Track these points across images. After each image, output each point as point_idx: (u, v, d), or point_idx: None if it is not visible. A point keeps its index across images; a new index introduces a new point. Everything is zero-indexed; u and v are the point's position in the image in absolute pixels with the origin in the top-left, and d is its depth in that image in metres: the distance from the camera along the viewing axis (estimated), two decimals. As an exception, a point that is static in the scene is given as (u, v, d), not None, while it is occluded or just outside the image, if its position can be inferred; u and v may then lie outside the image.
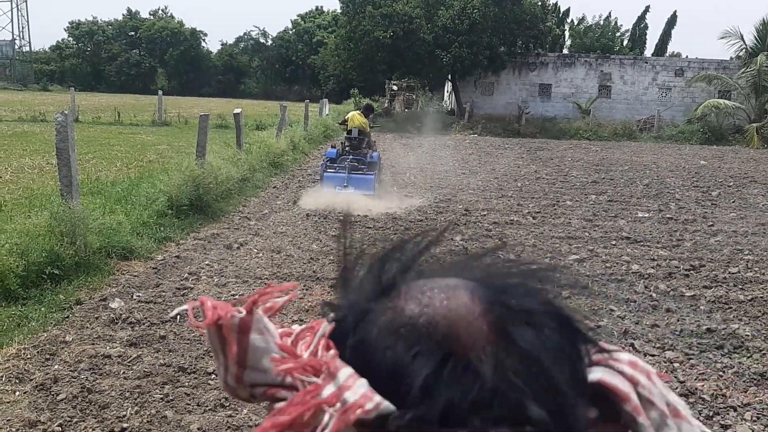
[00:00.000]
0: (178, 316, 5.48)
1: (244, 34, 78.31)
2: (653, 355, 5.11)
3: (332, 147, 13.28)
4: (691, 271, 7.63)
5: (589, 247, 8.64)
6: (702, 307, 6.37)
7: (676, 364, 4.95)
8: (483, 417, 0.53)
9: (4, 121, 25.18)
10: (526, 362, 0.56)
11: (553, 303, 0.64)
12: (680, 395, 4.42)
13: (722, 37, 30.45)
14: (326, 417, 0.54)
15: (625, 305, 6.40)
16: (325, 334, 0.61)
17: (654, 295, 6.71)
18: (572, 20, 50.21)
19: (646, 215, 11.06)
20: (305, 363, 0.59)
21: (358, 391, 0.55)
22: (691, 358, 5.08)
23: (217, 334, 0.66)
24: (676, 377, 4.73)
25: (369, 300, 0.63)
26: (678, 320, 5.98)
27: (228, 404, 4.10)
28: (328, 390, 0.56)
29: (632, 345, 5.28)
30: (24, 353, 4.65)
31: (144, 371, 4.47)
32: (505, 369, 0.55)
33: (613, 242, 9.01)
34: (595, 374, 0.61)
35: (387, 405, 0.54)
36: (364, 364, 0.57)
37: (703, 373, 4.81)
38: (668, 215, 11.09)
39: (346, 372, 0.56)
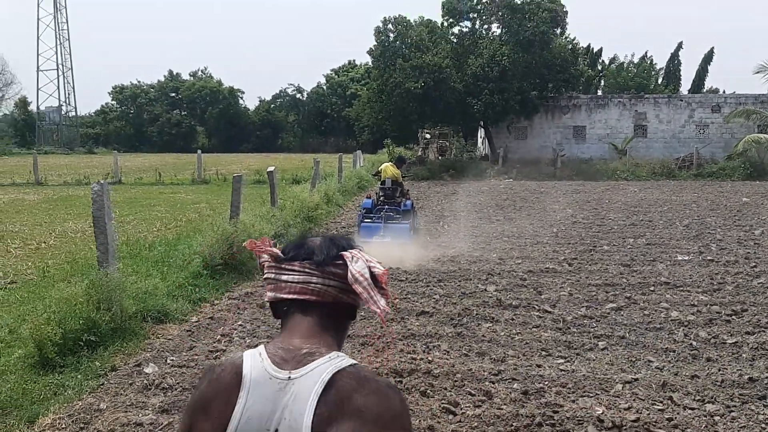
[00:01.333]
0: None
1: (280, 91, 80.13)
2: (693, 409, 4.94)
3: (368, 197, 13.84)
4: (733, 317, 7.40)
5: (626, 294, 8.47)
6: (744, 355, 6.16)
7: (716, 418, 4.78)
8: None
9: (50, 185, 26.09)
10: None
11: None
12: (721, 453, 4.26)
13: (757, 72, 30.07)
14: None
15: (664, 355, 6.23)
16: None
17: (694, 343, 6.52)
18: (604, 60, 50.33)
19: (686, 258, 10.81)
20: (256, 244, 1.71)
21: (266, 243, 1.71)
22: (732, 411, 4.90)
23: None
24: (716, 431, 4.56)
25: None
26: (719, 369, 5.79)
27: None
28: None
29: (670, 398, 5.11)
30: (59, 423, 4.73)
31: (174, 439, 4.50)
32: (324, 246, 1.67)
33: (652, 288, 8.81)
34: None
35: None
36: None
37: (745, 427, 4.63)
38: (709, 257, 10.83)
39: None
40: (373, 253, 1.66)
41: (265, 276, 1.66)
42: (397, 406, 1.45)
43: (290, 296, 1.59)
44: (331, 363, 1.48)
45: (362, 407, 1.41)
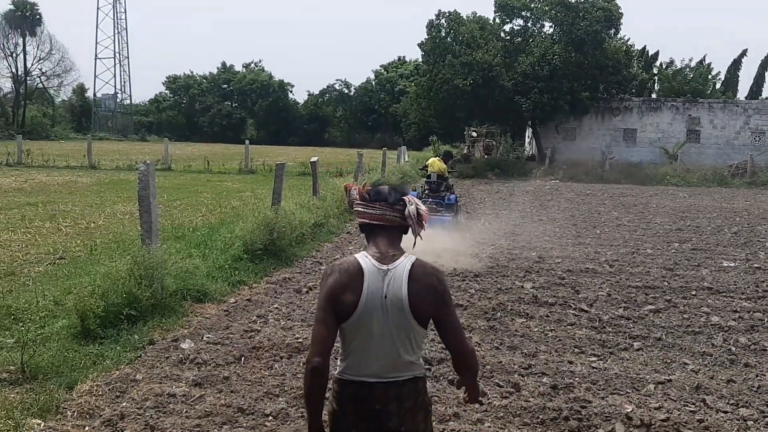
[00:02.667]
0: (242, 359, 5.66)
1: (328, 86, 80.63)
2: (725, 412, 4.84)
3: (413, 190, 13.85)
4: (777, 324, 7.20)
5: (666, 298, 8.31)
6: (785, 363, 6.00)
7: (749, 422, 4.67)
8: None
9: (102, 169, 26.86)
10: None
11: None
12: (751, 456, 4.18)
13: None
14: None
15: (701, 359, 6.11)
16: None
17: (733, 348, 6.38)
18: (660, 64, 49.18)
19: (732, 265, 10.54)
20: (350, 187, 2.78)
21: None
22: (766, 417, 4.78)
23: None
24: (749, 437, 4.47)
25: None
26: (757, 376, 5.65)
27: (281, 446, 4.18)
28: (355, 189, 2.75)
29: (703, 401, 5.02)
30: (96, 390, 4.90)
31: (205, 411, 4.62)
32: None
33: (693, 292, 8.63)
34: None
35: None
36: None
37: (780, 434, 4.52)
38: (756, 265, 10.54)
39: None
40: (414, 245, 2.60)
41: (355, 209, 2.72)
42: (445, 282, 2.64)
43: (374, 222, 2.66)
44: (408, 259, 2.59)
45: (431, 284, 2.55)
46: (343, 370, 2.63)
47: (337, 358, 2.69)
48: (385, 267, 2.54)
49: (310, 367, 2.52)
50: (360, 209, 2.69)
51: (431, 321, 2.62)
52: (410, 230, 2.67)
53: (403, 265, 2.55)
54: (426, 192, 13.88)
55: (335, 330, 2.55)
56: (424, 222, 2.64)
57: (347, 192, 2.77)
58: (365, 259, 2.57)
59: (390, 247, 2.60)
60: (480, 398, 2.97)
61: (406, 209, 2.62)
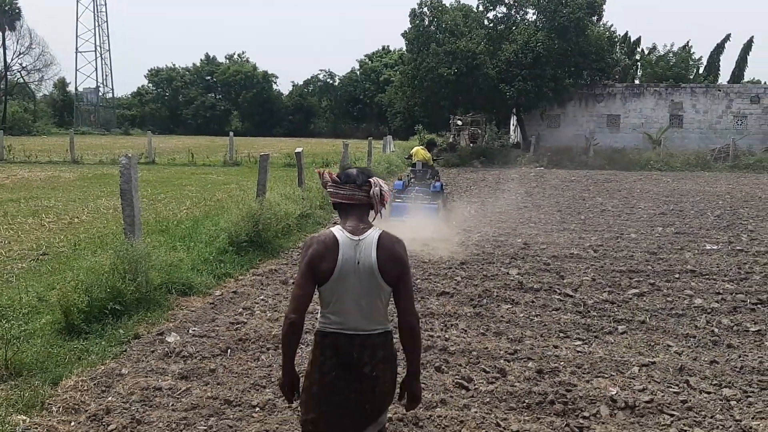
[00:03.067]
0: (229, 351, 5.65)
1: (312, 77, 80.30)
2: (708, 393, 4.90)
3: (399, 179, 14.42)
4: (759, 305, 7.29)
5: (650, 281, 8.38)
6: (767, 343, 6.07)
7: (732, 402, 4.73)
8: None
9: (85, 164, 26.62)
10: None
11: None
12: (733, 435, 4.23)
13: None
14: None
15: (684, 340, 6.17)
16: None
17: (716, 330, 6.44)
18: (642, 50, 49.34)
19: (715, 247, 10.64)
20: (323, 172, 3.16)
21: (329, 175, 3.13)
22: (749, 396, 4.85)
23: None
24: (731, 416, 4.52)
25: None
26: (739, 356, 5.72)
27: (269, 437, 4.18)
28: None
29: (687, 382, 5.08)
30: (81, 385, 4.87)
31: (192, 403, 4.61)
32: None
33: (677, 275, 8.71)
34: None
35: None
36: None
37: (761, 412, 4.58)
38: (738, 247, 10.65)
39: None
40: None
41: (328, 190, 3.09)
42: (406, 252, 3.03)
43: (345, 201, 3.05)
44: (375, 231, 2.98)
45: (395, 251, 2.96)
46: (324, 324, 3.00)
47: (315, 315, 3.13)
48: (356, 238, 2.94)
49: (288, 322, 2.92)
50: (332, 190, 3.09)
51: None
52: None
53: (371, 236, 2.96)
54: (412, 180, 13.99)
55: (312, 292, 2.96)
56: (385, 201, 3.04)
57: (321, 176, 3.17)
58: (340, 232, 2.97)
59: (360, 222, 3.01)
60: (416, 402, 3.23)
61: (371, 190, 3.01)
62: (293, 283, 8.06)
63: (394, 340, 3.11)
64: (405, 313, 2.99)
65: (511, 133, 40.87)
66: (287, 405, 4.49)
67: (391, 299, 3.00)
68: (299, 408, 3.13)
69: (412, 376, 3.12)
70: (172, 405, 4.60)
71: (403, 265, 2.96)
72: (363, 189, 3.04)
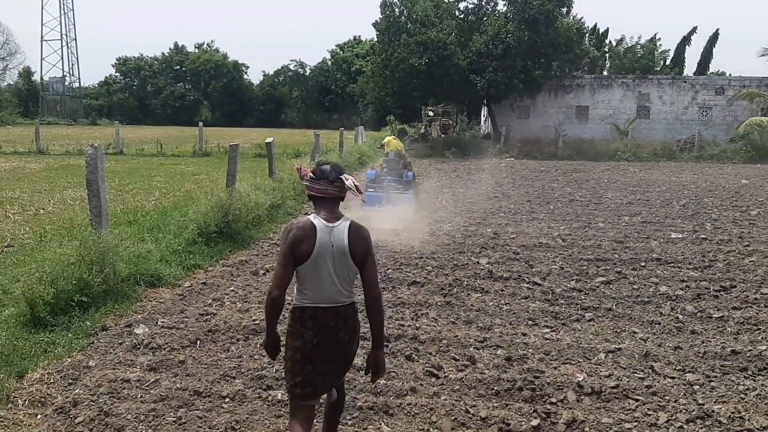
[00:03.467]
0: (198, 342, 5.62)
1: (283, 67, 79.67)
2: (672, 378, 5.01)
3: (372, 169, 14.86)
4: (721, 292, 7.46)
5: (617, 269, 8.51)
6: (729, 329, 6.23)
7: (695, 387, 4.85)
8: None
9: (51, 154, 26.11)
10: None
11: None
12: (696, 418, 4.34)
13: (762, 55, 29.86)
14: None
15: (649, 327, 6.29)
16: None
17: (680, 317, 6.58)
18: (610, 41, 49.88)
19: (680, 236, 10.85)
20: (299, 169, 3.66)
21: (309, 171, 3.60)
22: (712, 381, 4.97)
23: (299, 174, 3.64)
24: (694, 400, 4.63)
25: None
26: (703, 342, 5.85)
27: (239, 428, 4.17)
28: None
29: (651, 367, 5.18)
30: (47, 378, 4.81)
31: (160, 395, 4.58)
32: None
33: (643, 264, 8.86)
34: None
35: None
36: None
37: (723, 396, 4.70)
38: (702, 236, 10.86)
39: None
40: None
41: (305, 184, 3.54)
42: (370, 238, 3.51)
43: (319, 194, 3.48)
44: (347, 220, 3.45)
45: (363, 236, 3.44)
46: (302, 300, 3.46)
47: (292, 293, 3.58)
48: (331, 225, 3.42)
49: (271, 297, 3.39)
50: (308, 185, 3.55)
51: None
52: (346, 199, 3.57)
53: (343, 224, 3.45)
54: (385, 170, 14.09)
55: (292, 271, 3.40)
56: (360, 191, 3.53)
57: (298, 171, 3.62)
58: (316, 219, 3.43)
59: (332, 212, 3.48)
60: (381, 372, 3.68)
61: (346, 184, 3.48)
62: (264, 273, 8.09)
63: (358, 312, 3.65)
64: (371, 285, 3.50)
65: (482, 124, 41.07)
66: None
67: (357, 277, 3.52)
68: (285, 377, 3.61)
69: (377, 348, 3.61)
70: (141, 397, 4.57)
71: (368, 246, 3.49)
72: (335, 185, 3.49)
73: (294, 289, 3.52)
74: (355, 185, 3.50)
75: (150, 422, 4.22)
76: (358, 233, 3.46)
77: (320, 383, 3.50)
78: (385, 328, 5.83)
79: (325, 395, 3.71)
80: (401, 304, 6.88)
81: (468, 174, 22.56)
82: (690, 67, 48.62)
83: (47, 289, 5.91)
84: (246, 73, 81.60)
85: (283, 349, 3.59)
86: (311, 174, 3.54)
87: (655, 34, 61.62)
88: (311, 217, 3.44)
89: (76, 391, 4.63)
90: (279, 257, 3.41)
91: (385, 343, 5.60)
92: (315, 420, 3.75)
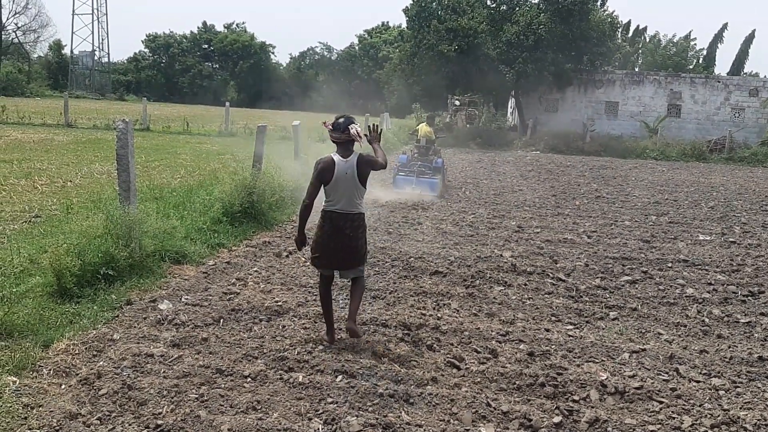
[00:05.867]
0: (221, 320, 5.65)
1: (308, 49, 79.56)
2: (698, 382, 4.93)
3: (403, 154, 16.08)
4: (750, 297, 7.33)
5: (643, 269, 8.41)
6: (757, 335, 6.12)
7: (721, 392, 4.76)
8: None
9: (79, 128, 26.37)
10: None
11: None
12: (721, 423, 4.27)
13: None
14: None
15: (675, 329, 6.20)
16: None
17: (707, 320, 6.48)
18: (644, 38, 49.17)
19: (708, 238, 10.69)
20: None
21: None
22: (738, 387, 4.88)
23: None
24: (720, 405, 4.55)
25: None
26: (729, 347, 5.75)
27: (260, 407, 4.18)
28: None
29: (676, 370, 5.11)
30: (73, 349, 4.85)
31: (183, 371, 4.60)
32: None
33: (669, 265, 8.74)
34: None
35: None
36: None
37: (749, 402, 4.61)
38: (731, 239, 10.69)
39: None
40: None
41: (329, 133, 5.11)
42: (373, 160, 5.14)
43: (336, 140, 5.06)
44: (356, 155, 5.09)
45: (367, 162, 5.10)
46: (326, 206, 5.18)
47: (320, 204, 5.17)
48: (345, 159, 5.07)
49: (304, 205, 5.12)
50: (330, 134, 5.15)
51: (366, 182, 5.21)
52: (355, 143, 5.16)
53: (353, 158, 5.08)
54: (415, 155, 14.98)
55: (319, 189, 5.12)
56: (360, 137, 5.09)
57: (325, 125, 5.23)
58: (335, 156, 5.10)
59: (346, 150, 5.11)
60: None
61: (351, 132, 5.06)
62: (287, 256, 8.10)
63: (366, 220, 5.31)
64: (379, 163, 5.19)
65: (509, 115, 40.74)
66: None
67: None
68: (311, 254, 5.36)
69: (375, 144, 5.39)
70: (164, 372, 4.59)
71: (373, 165, 5.13)
72: (345, 133, 5.07)
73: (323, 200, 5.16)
74: (357, 131, 5.07)
75: (172, 398, 4.24)
76: (364, 161, 5.10)
77: (331, 259, 5.23)
78: (407, 319, 5.84)
79: (337, 271, 5.33)
80: (423, 294, 6.85)
81: (492, 165, 22.41)
82: (721, 66, 47.89)
83: (74, 260, 5.95)
84: (273, 53, 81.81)
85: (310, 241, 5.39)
86: (331, 126, 5.14)
87: (690, 32, 60.64)
88: (332, 154, 5.10)
89: (101, 363, 4.67)
90: (312, 179, 5.10)
91: (407, 331, 5.61)
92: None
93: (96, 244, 6.32)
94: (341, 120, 5.06)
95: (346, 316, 5.33)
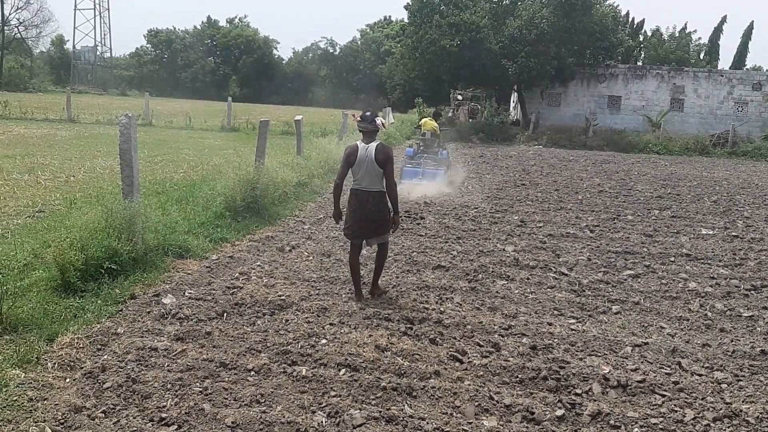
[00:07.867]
0: (225, 314, 5.66)
1: (312, 44, 79.48)
2: (700, 375, 4.94)
3: (410, 146, 16.74)
4: (752, 291, 7.33)
5: (645, 263, 8.41)
6: (759, 329, 6.12)
7: (723, 385, 4.77)
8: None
9: (82, 123, 26.39)
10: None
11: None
12: (723, 416, 4.28)
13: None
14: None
15: (677, 323, 6.21)
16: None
17: (709, 314, 6.49)
18: (646, 32, 49.03)
19: (710, 232, 10.68)
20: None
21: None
22: (740, 380, 4.89)
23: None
24: (722, 398, 4.56)
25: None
26: (731, 341, 5.76)
27: (263, 401, 4.20)
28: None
29: (679, 364, 5.12)
30: (77, 342, 4.88)
31: (187, 365, 4.62)
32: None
33: (672, 259, 8.74)
34: None
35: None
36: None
37: (751, 396, 4.62)
38: (734, 233, 10.68)
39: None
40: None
41: (357, 124, 6.39)
42: (390, 152, 6.29)
43: (362, 129, 6.29)
44: (378, 142, 6.27)
45: (384, 150, 6.20)
46: (353, 186, 6.25)
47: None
48: (366, 145, 6.16)
49: (335, 184, 6.37)
50: (358, 124, 6.28)
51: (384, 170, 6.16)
52: (378, 133, 6.32)
53: (374, 145, 6.14)
54: (421, 148, 15.51)
55: (347, 171, 6.28)
56: (384, 127, 6.55)
57: (353, 117, 6.04)
58: (360, 143, 6.22)
59: (369, 138, 6.21)
60: (396, 225, 6.45)
61: (376, 122, 6.23)
62: (290, 250, 8.12)
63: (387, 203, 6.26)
64: (388, 179, 6.14)
65: (511, 110, 40.67)
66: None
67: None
68: (343, 225, 6.54)
69: (394, 213, 6.32)
70: (168, 366, 4.61)
71: (388, 156, 6.14)
72: (372, 124, 6.20)
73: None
74: (381, 123, 6.36)
75: (176, 391, 4.26)
76: (381, 149, 6.13)
77: (358, 231, 6.29)
78: (409, 313, 5.85)
79: (365, 241, 6.43)
80: (426, 288, 6.87)
81: (495, 160, 22.39)
82: (723, 60, 47.75)
83: (78, 255, 5.97)
84: (276, 48, 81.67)
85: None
86: (359, 118, 6.30)
87: (686, 24, 60.42)
88: (357, 142, 6.25)
89: (105, 357, 4.69)
90: (341, 162, 6.33)
91: (409, 325, 5.62)
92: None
93: (99, 238, 6.34)
94: (368, 113, 6.32)
95: (370, 282, 6.63)
